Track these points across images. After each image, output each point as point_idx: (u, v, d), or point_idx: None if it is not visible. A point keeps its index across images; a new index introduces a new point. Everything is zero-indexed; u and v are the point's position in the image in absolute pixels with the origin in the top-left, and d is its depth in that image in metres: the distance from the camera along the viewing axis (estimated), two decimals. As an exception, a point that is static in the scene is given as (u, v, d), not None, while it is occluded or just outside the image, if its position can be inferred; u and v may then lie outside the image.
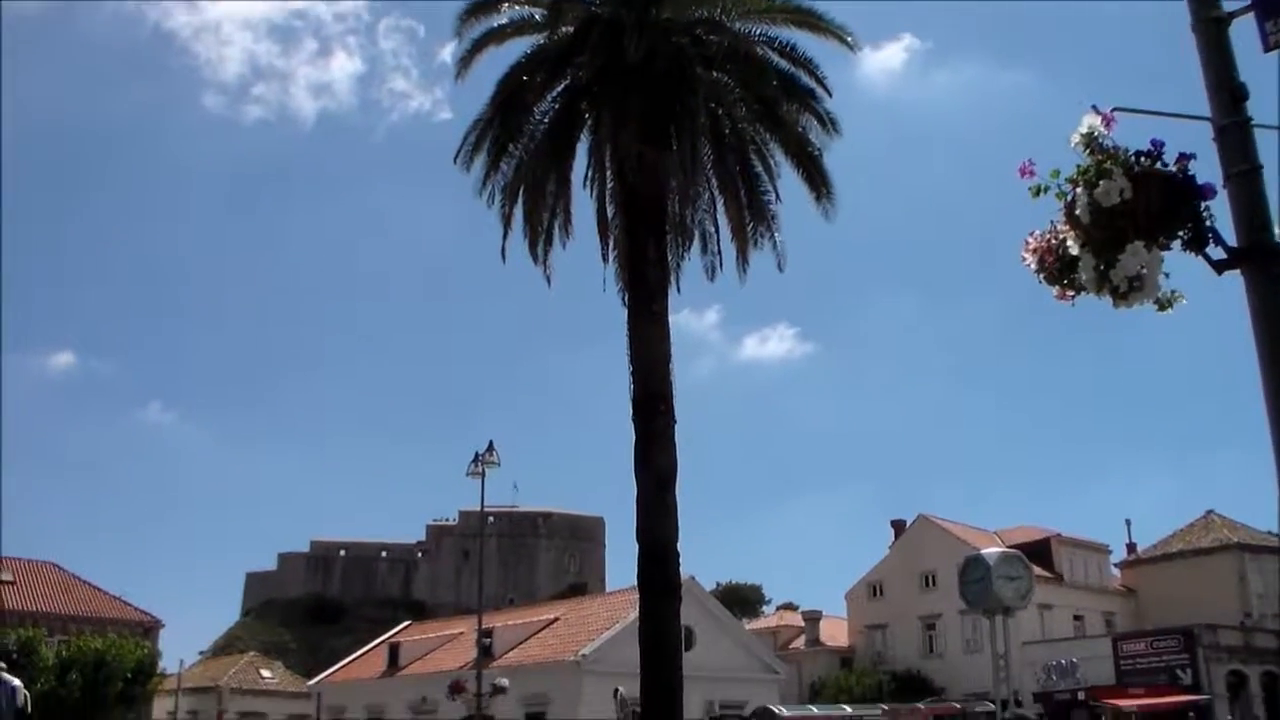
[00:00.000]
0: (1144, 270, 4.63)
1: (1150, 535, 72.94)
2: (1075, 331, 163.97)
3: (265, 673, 74.07)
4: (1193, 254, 4.71)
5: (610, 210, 21.56)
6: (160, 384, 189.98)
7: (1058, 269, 4.93)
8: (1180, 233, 4.67)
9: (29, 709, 32.81)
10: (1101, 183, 4.57)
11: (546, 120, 21.33)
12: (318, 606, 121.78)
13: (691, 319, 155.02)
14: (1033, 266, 5.03)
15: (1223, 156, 4.74)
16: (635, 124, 19.26)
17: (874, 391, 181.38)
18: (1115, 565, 72.13)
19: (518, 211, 21.40)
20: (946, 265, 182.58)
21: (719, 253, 21.65)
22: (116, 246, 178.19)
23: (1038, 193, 4.87)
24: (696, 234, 21.61)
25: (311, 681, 64.13)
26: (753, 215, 21.33)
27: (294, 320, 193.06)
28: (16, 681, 31.20)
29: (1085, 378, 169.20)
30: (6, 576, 63.19)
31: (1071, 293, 4.95)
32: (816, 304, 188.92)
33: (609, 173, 21.25)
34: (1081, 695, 54.19)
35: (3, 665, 31.87)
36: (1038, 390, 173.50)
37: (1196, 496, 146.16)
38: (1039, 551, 58.89)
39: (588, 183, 21.88)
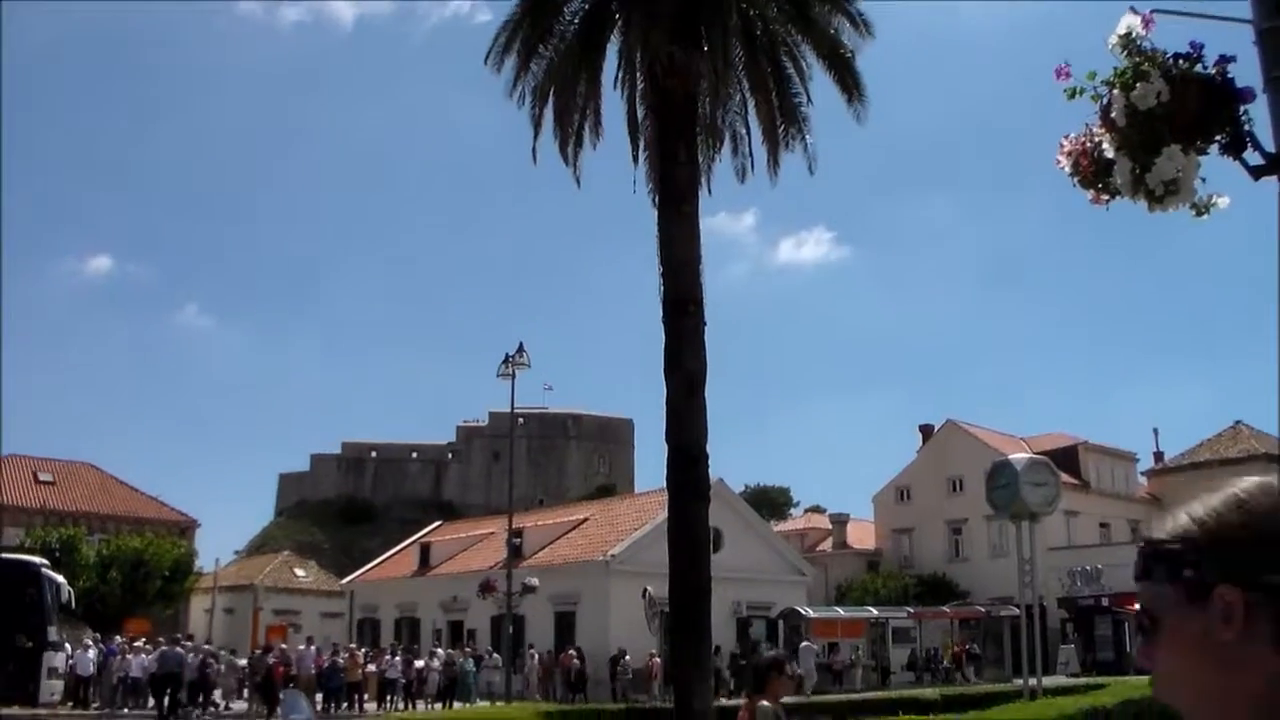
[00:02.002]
0: (1180, 174, 4.57)
1: (1178, 444, 72.98)
2: (1109, 237, 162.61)
3: (299, 572, 75.18)
4: (1230, 159, 4.65)
5: (640, 112, 21.39)
6: (197, 287, 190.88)
7: (1093, 172, 4.87)
8: (1218, 137, 4.61)
9: (73, 604, 33.69)
10: (1138, 85, 4.50)
11: (576, 20, 21.09)
12: (349, 507, 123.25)
13: (728, 222, 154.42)
14: (1067, 170, 4.97)
15: (1263, 60, 4.66)
16: (666, 24, 19.02)
17: (908, 296, 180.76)
18: (1142, 474, 72.23)
19: (548, 113, 21.26)
20: (983, 169, 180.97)
21: (750, 155, 21.49)
22: (153, 151, 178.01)
23: (1073, 95, 4.80)
24: (727, 135, 21.44)
25: (344, 580, 65.22)
26: (784, 117, 21.12)
27: (328, 224, 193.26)
28: (60, 578, 32.01)
29: (1118, 284, 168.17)
30: (47, 477, 64.26)
31: (1106, 196, 4.90)
32: (854, 208, 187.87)
33: (639, 74, 21.03)
34: (1105, 602, 54.50)
35: (46, 563, 32.67)
36: (1070, 296, 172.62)
37: (1225, 407, 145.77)
38: (1066, 458, 58.93)
39: (618, 84, 21.69)
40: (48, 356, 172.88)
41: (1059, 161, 5.01)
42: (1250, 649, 1.39)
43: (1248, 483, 1.54)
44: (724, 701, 25.34)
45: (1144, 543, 1.55)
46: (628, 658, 41.94)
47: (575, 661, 42.33)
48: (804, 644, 45.89)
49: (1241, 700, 1.40)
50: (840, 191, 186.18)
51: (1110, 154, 4.73)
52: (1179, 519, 1.52)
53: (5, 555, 33.88)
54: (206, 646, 37.60)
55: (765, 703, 7.89)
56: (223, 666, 36.46)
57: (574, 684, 41.90)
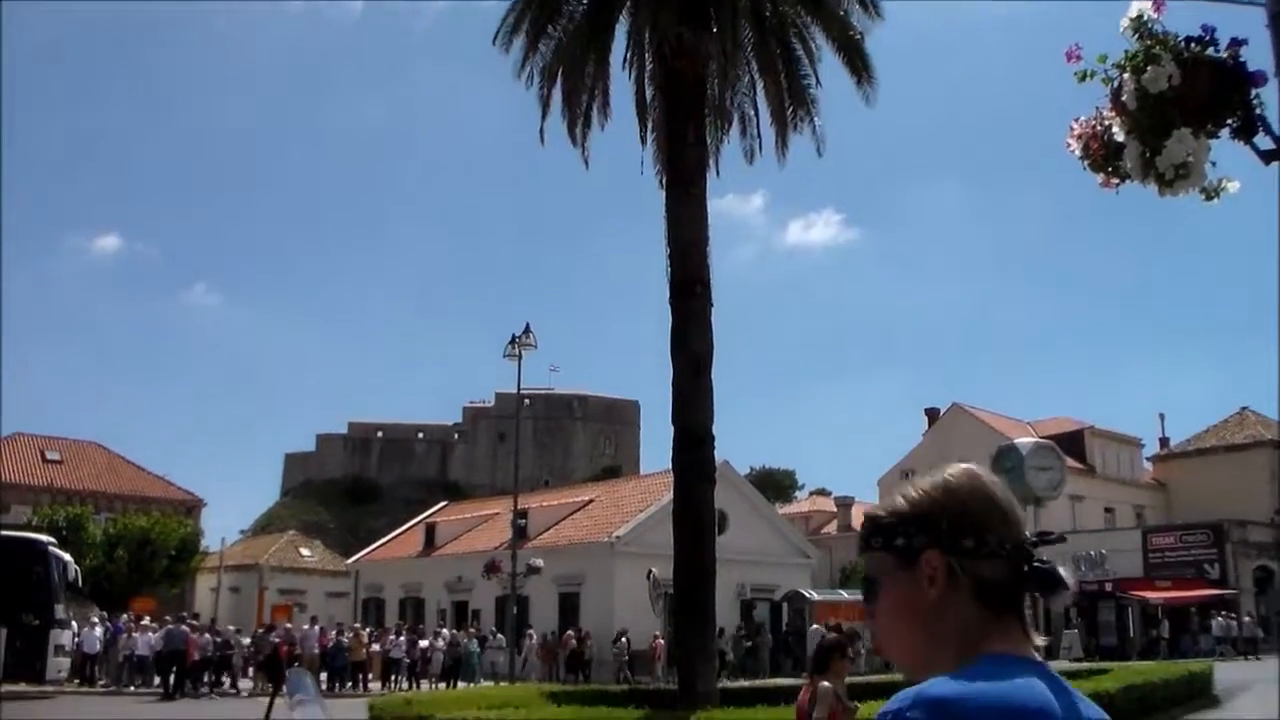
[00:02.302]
0: (1190, 158, 4.55)
1: (1184, 430, 72.88)
2: (1119, 222, 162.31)
3: (304, 551, 75.30)
4: (1240, 143, 4.63)
5: (649, 93, 21.38)
6: (204, 267, 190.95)
7: (1103, 156, 4.85)
8: (1229, 121, 4.59)
9: (80, 582, 33.79)
10: (1149, 68, 4.48)
11: (585, 1, 21.08)
12: (355, 487, 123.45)
13: (736, 203, 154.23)
14: (1077, 153, 4.95)
15: (1275, 43, 4.64)
16: (675, 5, 19.02)
17: (915, 279, 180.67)
18: (1147, 459, 72.19)
19: (556, 93, 21.25)
20: (993, 153, 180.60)
21: (758, 136, 21.50)
22: (161, 131, 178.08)
23: (1084, 78, 4.78)
24: (735, 117, 21.44)
25: (350, 560, 65.34)
26: (792, 99, 21.11)
27: (336, 205, 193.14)
28: (67, 556, 32.10)
29: (1126, 269, 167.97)
30: (54, 456, 64.41)
31: (1116, 180, 4.89)
32: (863, 191, 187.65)
33: (648, 55, 21.02)
34: (1109, 587, 54.55)
35: (54, 541, 32.76)
36: (1078, 281, 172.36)
37: (1232, 393, 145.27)
38: (1072, 443, 58.93)
39: (626, 64, 21.70)
40: (55, 336, 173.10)
41: (1069, 145, 4.99)
42: (951, 604, 1.75)
43: (955, 468, 1.87)
44: (727, 683, 25.39)
45: (866, 518, 1.85)
46: (624, 639, 42.08)
47: (573, 642, 42.46)
48: (813, 627, 46.04)
49: (944, 647, 1.74)
50: (849, 174, 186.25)
51: (1120, 137, 4.72)
52: (896, 500, 1.83)
53: (13, 533, 33.94)
54: (230, 628, 37.86)
55: (826, 683, 8.02)
56: (234, 646, 36.59)
57: (569, 664, 42.01)
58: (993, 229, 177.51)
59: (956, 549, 1.76)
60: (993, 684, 1.65)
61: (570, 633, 43.38)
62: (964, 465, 1.88)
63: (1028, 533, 1.85)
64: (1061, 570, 1.81)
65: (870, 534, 1.83)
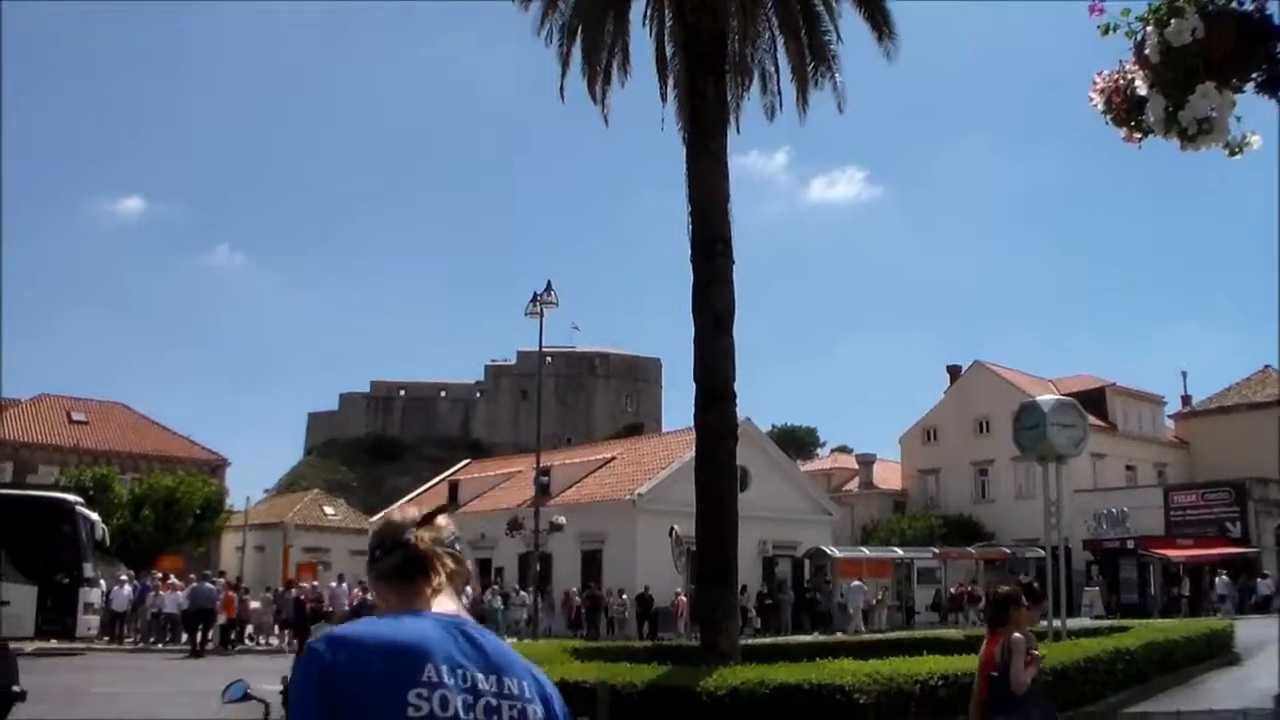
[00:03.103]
0: (1214, 113, 4.51)
1: (1206, 388, 72.62)
2: (1142, 178, 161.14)
3: (328, 510, 75.77)
4: (1265, 97, 4.59)
5: (669, 49, 21.27)
6: (229, 228, 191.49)
7: (1125, 110, 4.81)
8: (1253, 75, 4.56)
9: (107, 541, 34.10)
10: (1173, 21, 4.44)
11: (605, -44, 20.94)
12: (378, 445, 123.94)
13: (760, 160, 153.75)
14: (1100, 107, 4.92)
15: (1302, -5, 4.60)
16: (695, -40, 18.88)
17: (938, 236, 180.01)
18: (1169, 417, 71.98)
19: (576, 51, 21.13)
20: (1016, 109, 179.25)
21: (779, 93, 21.34)
22: (185, 92, 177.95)
23: (1107, 31, 4.74)
24: (756, 73, 21.28)
25: (373, 519, 65.68)
26: (813, 55, 20.95)
27: (358, 164, 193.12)
28: (95, 516, 32.36)
29: (1148, 226, 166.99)
30: (80, 417, 64.91)
31: (1139, 135, 4.85)
32: (888, 148, 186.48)
33: (668, 11, 20.88)
34: (1130, 544, 54.56)
35: (81, 501, 33.03)
36: (1101, 238, 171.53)
37: (1255, 351, 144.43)
38: (1094, 401, 58.77)
39: (646, 20, 21.53)
40: (80, 297, 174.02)
41: (1091, 99, 4.96)
42: (386, 586, 2.65)
43: (395, 507, 2.89)
44: (749, 640, 25.51)
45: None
46: (624, 596, 42.47)
47: (575, 599, 42.92)
48: (855, 583, 46.38)
49: (390, 611, 2.57)
50: (873, 131, 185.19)
51: (1143, 91, 4.68)
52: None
53: (41, 493, 34.25)
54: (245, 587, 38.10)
55: (1018, 635, 8.25)
56: (259, 604, 36.91)
57: (574, 621, 42.32)
58: (1016, 186, 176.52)
59: (374, 559, 2.69)
60: (383, 626, 2.42)
61: (572, 590, 43.94)
62: (401, 505, 2.98)
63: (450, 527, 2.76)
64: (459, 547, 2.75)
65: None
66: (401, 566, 2.60)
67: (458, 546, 2.71)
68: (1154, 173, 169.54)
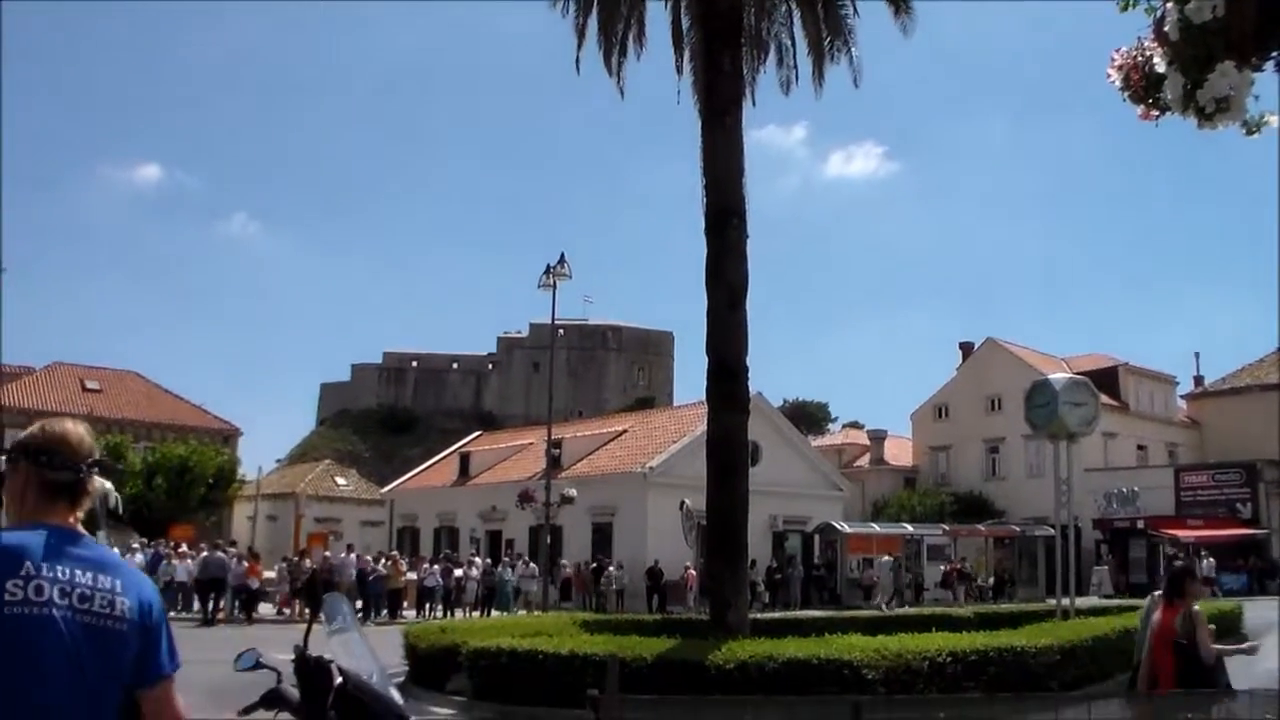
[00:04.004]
0: (1233, 91, 4.48)
1: (1219, 369, 72.36)
2: (1157, 157, 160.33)
3: (340, 480, 76.00)
4: (1284, 76, 4.56)
5: (685, 22, 21.20)
6: (245, 196, 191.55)
7: (1143, 87, 4.78)
8: (1273, 54, 4.52)
9: (120, 510, 34.21)
10: (1194, -1, 4.42)
11: (621, -73, 20.86)
12: (390, 416, 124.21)
13: (778, 134, 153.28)
14: (1117, 84, 4.89)
15: (1324, -25, 4.56)
16: (712, -68, 18.82)
17: (954, 213, 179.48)
18: (1181, 397, 71.85)
19: (592, 22, 21.10)
20: (1035, 85, 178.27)
21: (795, 67, 21.28)
22: (200, 60, 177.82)
23: (1126, 7, 4.71)
24: (772, 47, 21.22)
25: (384, 489, 65.88)
26: (829, 29, 20.87)
27: (374, 134, 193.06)
28: (108, 484, 32.47)
29: (1163, 206, 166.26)
30: (94, 385, 65.13)
31: (1156, 112, 4.82)
32: (906, 123, 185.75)
33: (684, -17, 20.84)
34: (1140, 524, 54.53)
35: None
36: (1116, 217, 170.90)
37: (1268, 333, 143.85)
38: (1106, 380, 58.59)
39: (662, -8, 21.48)
40: (95, 266, 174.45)
41: (1109, 76, 4.93)
42: (21, 500, 3.12)
43: (70, 422, 3.37)
44: (758, 615, 25.58)
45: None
46: (620, 568, 42.74)
47: (565, 571, 43.19)
48: (884, 558, 46.55)
49: (19, 517, 3.10)
50: (892, 107, 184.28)
51: (1161, 69, 4.65)
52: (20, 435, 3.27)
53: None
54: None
55: (1197, 606, 8.86)
56: (273, 573, 36.99)
57: (565, 594, 42.49)
58: (1033, 163, 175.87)
59: (37, 461, 3.12)
60: (6, 533, 3.00)
61: (565, 562, 44.26)
62: (59, 420, 3.36)
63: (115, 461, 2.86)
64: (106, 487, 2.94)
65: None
66: (56, 488, 3.14)
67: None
68: (1170, 151, 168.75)
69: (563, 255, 36.86)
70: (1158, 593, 9.79)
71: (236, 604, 35.16)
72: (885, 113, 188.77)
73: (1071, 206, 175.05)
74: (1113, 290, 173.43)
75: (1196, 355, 79.51)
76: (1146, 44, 4.74)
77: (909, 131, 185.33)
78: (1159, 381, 69.82)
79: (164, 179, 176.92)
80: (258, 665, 4.75)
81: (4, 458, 3.10)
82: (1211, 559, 48.72)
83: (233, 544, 40.17)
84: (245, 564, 35.32)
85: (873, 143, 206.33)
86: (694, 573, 38.53)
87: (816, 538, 50.57)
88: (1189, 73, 4.52)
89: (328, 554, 39.58)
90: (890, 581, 45.33)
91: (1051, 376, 26.09)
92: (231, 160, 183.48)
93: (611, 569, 42.93)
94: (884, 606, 40.63)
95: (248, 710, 4.76)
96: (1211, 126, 4.58)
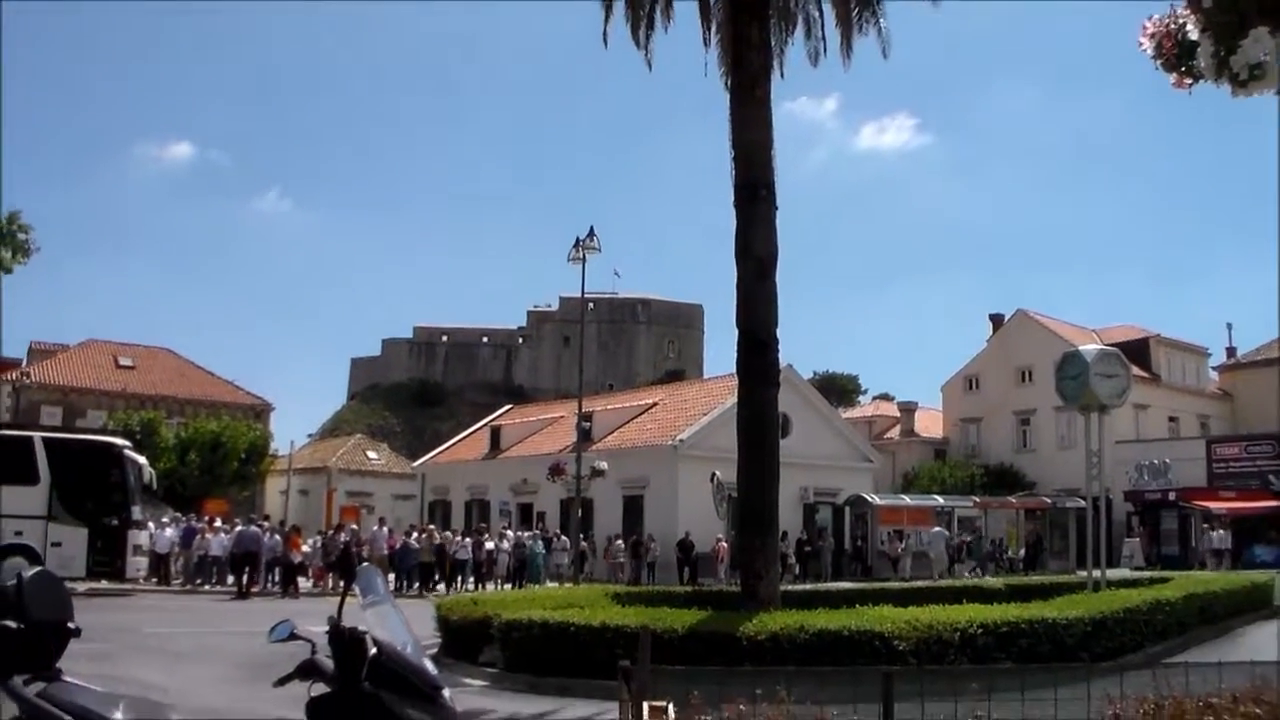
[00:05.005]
0: (1266, 58, 4.44)
1: (1252, 340, 71.78)
2: (1190, 126, 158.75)
3: (371, 454, 76.31)
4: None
5: (713, -6, 21.09)
6: (277, 173, 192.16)
7: (1176, 55, 4.75)
8: (1307, 19, 4.48)
9: (154, 485, 34.53)
10: (1227, -35, 4.38)
11: (648, -101, 20.74)
12: (421, 391, 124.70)
13: (809, 106, 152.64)
14: (1150, 52, 4.86)
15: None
16: (740, -96, 18.70)
17: (985, 185, 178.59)
18: (1214, 369, 71.34)
19: (619, -6, 21.02)
20: (1068, 55, 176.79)
21: (824, 39, 21.13)
22: (233, 38, 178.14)
23: (1159, -26, 4.69)
24: (800, 19, 21.07)
25: (416, 463, 66.14)
26: (857, 0, 20.74)
27: (406, 110, 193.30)
28: (142, 459, 32.75)
29: (1196, 177, 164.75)
30: (127, 362, 65.57)
31: (1189, 80, 4.79)
32: (938, 95, 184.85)
33: (712, -45, 20.71)
34: (1172, 496, 54.25)
35: (129, 444, 33.40)
36: (1149, 188, 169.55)
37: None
38: (1137, 351, 58.28)
39: (689, -36, 21.36)
40: (128, 243, 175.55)
41: (1141, 43, 4.89)
42: None
43: None
44: (789, 587, 25.62)
45: None
46: (654, 543, 42.80)
47: (582, 545, 43.39)
48: (936, 529, 46.58)
49: None
50: (925, 79, 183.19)
51: (1194, 36, 4.62)
52: None
53: (90, 437, 34.67)
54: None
55: None
56: (307, 547, 37.21)
57: (616, 570, 42.59)
58: (1066, 134, 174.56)
59: None
60: None
61: (584, 536, 44.30)
62: None
63: None
64: None
65: None
66: None
67: None
68: (1203, 120, 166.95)
69: (592, 229, 36.86)
70: None
71: (272, 577, 35.46)
72: (918, 85, 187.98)
73: (1103, 178, 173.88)
74: (1144, 261, 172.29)
75: (1229, 326, 79.03)
76: (1179, 11, 4.71)
77: (942, 104, 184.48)
78: (1191, 353, 69.32)
79: (196, 157, 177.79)
80: (292, 636, 4.81)
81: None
82: (1222, 530, 48.52)
83: (266, 518, 40.44)
84: (278, 538, 35.60)
85: (905, 115, 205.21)
86: (725, 545, 38.55)
87: (847, 510, 50.52)
88: (1222, 39, 4.48)
89: (355, 527, 39.86)
90: (944, 553, 45.40)
91: (1082, 348, 25.98)
92: (263, 137, 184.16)
93: (651, 542, 43.04)
94: (938, 576, 40.68)
95: (284, 680, 4.82)
96: (1245, 94, 4.55)
